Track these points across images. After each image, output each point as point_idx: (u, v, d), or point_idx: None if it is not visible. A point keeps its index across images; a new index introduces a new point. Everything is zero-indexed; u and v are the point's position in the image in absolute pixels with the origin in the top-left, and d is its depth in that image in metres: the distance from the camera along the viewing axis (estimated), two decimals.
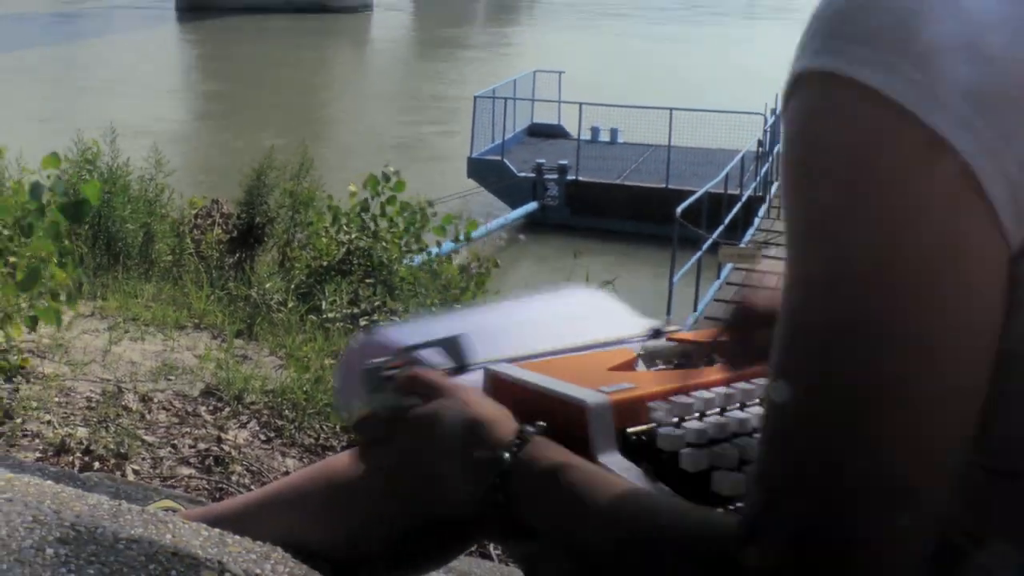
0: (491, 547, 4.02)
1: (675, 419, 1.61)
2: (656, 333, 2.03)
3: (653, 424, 1.60)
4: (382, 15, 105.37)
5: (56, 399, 5.01)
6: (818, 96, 1.08)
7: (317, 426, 5.23)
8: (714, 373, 1.74)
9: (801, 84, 1.10)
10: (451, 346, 1.80)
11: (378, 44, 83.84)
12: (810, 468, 1.09)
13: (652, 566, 1.31)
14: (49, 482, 3.14)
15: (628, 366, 1.81)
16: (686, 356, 1.90)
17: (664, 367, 1.86)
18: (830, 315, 1.08)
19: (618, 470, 1.50)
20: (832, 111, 1.06)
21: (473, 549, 3.97)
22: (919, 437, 1.06)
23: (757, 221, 23.92)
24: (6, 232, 5.16)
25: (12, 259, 5.00)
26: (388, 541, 1.98)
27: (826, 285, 1.08)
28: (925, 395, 1.05)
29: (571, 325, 2.04)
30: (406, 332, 1.88)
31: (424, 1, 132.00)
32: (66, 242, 5.34)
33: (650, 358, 1.87)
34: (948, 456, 1.09)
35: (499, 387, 1.69)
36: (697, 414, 1.62)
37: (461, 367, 1.77)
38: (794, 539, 1.10)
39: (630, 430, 1.59)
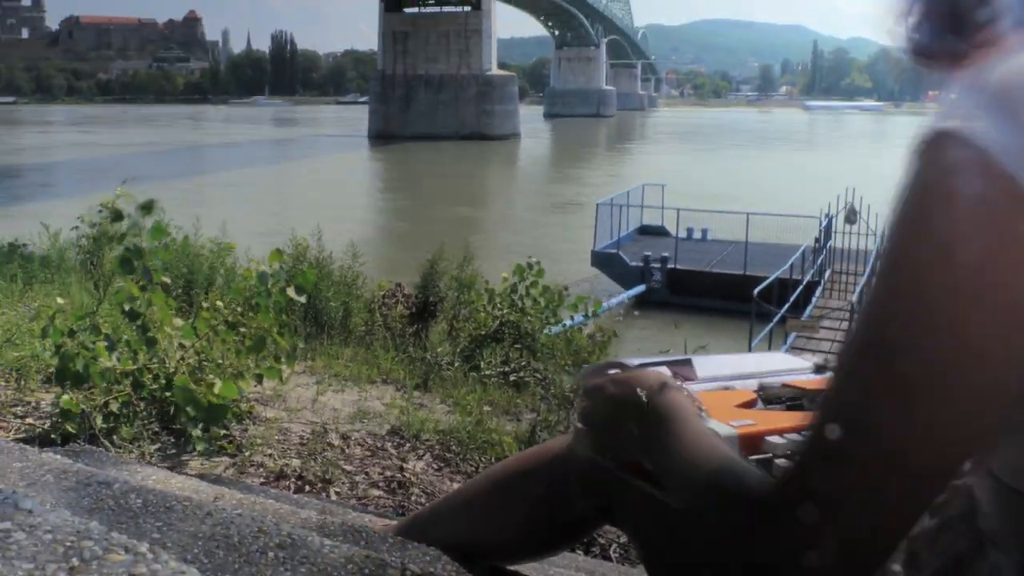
0: (611, 550, 3.97)
1: (788, 451, 1.60)
2: (820, 369, 2.05)
3: (770, 454, 1.60)
4: (527, 141, 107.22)
5: (276, 437, 5.04)
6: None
7: (477, 458, 5.21)
8: None
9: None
10: (674, 365, 1.88)
11: (523, 163, 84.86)
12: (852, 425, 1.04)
13: (705, 503, 1.31)
14: (271, 501, 3.16)
15: (750, 404, 1.81)
16: (797, 399, 1.88)
17: (778, 407, 1.85)
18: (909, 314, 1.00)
19: None
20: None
21: (596, 552, 3.93)
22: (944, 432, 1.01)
23: (814, 300, 24.18)
24: (239, 309, 5.23)
25: (243, 330, 5.06)
26: (530, 531, 2.01)
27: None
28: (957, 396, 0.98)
29: (754, 363, 2.09)
30: (637, 359, 1.92)
31: (559, 130, 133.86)
32: (284, 317, 5.38)
33: (767, 399, 1.87)
34: (958, 457, 1.06)
35: None
36: None
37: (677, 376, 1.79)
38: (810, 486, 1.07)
39: (751, 458, 1.59)
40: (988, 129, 0.95)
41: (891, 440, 1.01)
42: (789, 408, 1.87)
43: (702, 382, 1.91)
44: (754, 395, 1.88)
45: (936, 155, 0.99)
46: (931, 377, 0.99)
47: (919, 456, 1.02)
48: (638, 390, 1.55)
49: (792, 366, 2.10)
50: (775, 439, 1.63)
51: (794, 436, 1.65)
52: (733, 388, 1.92)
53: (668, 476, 1.47)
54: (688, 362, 1.95)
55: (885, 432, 1.02)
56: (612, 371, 1.75)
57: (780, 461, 1.59)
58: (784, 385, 1.94)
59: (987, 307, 0.96)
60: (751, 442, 1.62)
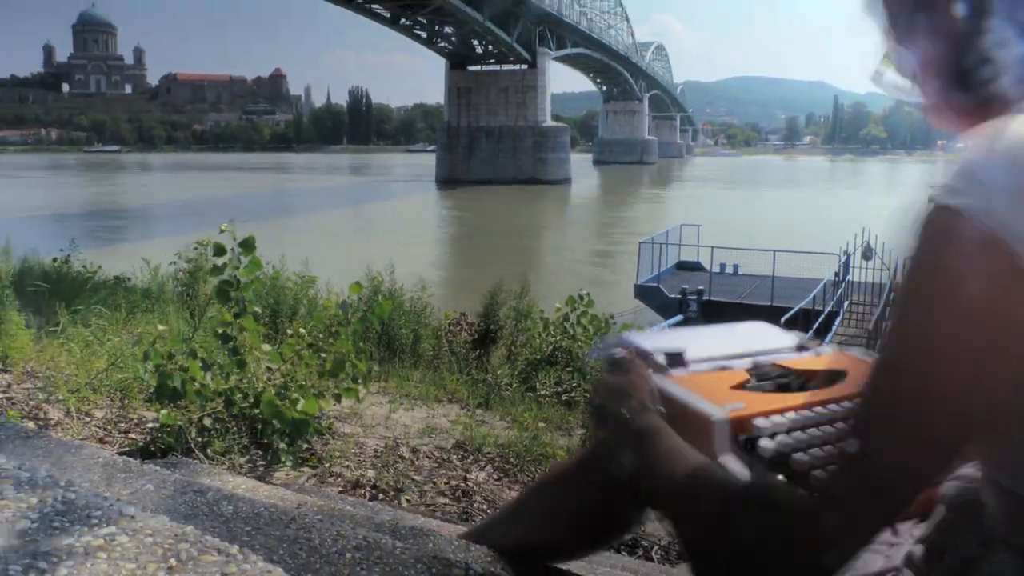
0: (652, 552, 3.95)
1: (771, 433, 1.62)
2: (800, 348, 2.13)
3: (756, 435, 1.62)
4: (578, 185, 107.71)
5: (353, 450, 5.05)
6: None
7: (533, 469, 5.20)
8: (804, 397, 1.75)
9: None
10: (670, 353, 1.93)
11: (575, 205, 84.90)
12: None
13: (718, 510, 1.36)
14: (348, 507, 3.16)
15: (741, 385, 1.83)
16: (784, 379, 1.91)
17: (768, 388, 1.86)
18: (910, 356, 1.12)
19: (730, 466, 1.55)
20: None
21: (640, 553, 3.91)
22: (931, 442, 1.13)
23: (834, 328, 24.10)
24: (320, 336, 5.25)
25: (324, 355, 5.08)
26: (574, 530, 2.03)
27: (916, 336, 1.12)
28: (941, 410, 1.10)
29: (744, 339, 2.13)
30: (642, 337, 1.98)
31: (606, 176, 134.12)
32: (361, 343, 5.40)
33: (758, 379, 1.89)
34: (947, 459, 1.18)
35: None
36: (785, 430, 1.63)
37: (672, 364, 1.90)
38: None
39: (741, 437, 1.62)
40: (989, 206, 1.04)
41: (901, 449, 1.13)
42: (778, 388, 1.89)
43: (694, 364, 1.95)
44: (747, 375, 1.90)
45: (942, 227, 1.08)
46: (932, 396, 1.10)
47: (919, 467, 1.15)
48: (623, 410, 1.66)
49: (779, 342, 2.15)
50: (761, 421, 1.65)
51: (777, 418, 1.67)
52: (729, 368, 1.95)
53: (651, 484, 1.55)
54: (674, 351, 1.98)
55: (897, 444, 1.13)
56: (616, 349, 1.85)
57: (764, 442, 1.61)
58: (775, 365, 1.97)
59: (975, 344, 1.07)
60: (741, 424, 1.65)
